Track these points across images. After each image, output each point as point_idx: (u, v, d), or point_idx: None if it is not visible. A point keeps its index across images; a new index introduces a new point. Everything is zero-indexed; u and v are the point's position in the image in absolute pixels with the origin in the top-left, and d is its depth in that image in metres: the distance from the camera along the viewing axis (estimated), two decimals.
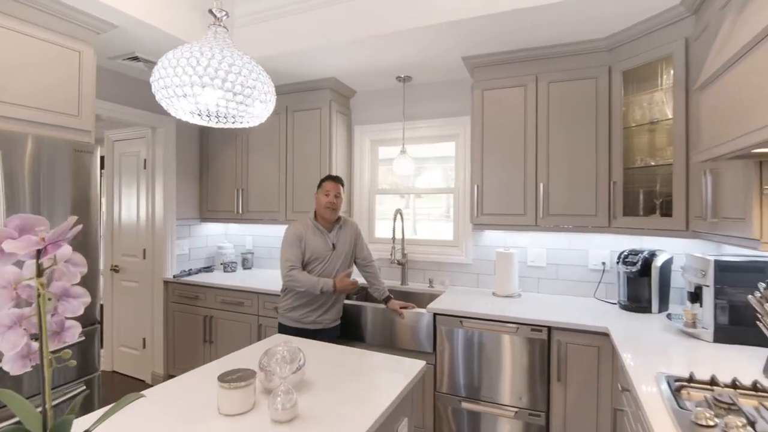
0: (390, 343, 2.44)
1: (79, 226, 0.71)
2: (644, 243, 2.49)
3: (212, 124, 1.30)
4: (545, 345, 2.14)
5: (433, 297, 2.79)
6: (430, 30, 2.21)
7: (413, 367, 1.52)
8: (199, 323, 3.12)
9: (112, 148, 3.68)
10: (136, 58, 2.70)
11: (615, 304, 2.42)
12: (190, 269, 3.41)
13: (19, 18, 1.84)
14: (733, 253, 1.93)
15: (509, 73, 2.48)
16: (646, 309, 2.24)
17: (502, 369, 2.21)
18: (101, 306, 4.64)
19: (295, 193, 3.14)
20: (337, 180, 2.33)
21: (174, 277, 3.24)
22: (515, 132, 2.47)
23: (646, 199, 2.24)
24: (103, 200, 3.76)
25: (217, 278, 3.20)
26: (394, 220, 2.81)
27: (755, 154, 1.24)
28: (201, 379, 1.37)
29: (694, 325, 1.86)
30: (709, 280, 1.75)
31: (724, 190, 1.52)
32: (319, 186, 2.34)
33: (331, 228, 2.34)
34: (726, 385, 1.27)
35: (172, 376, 3.30)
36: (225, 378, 1.11)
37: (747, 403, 1.18)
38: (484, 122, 2.54)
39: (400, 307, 2.41)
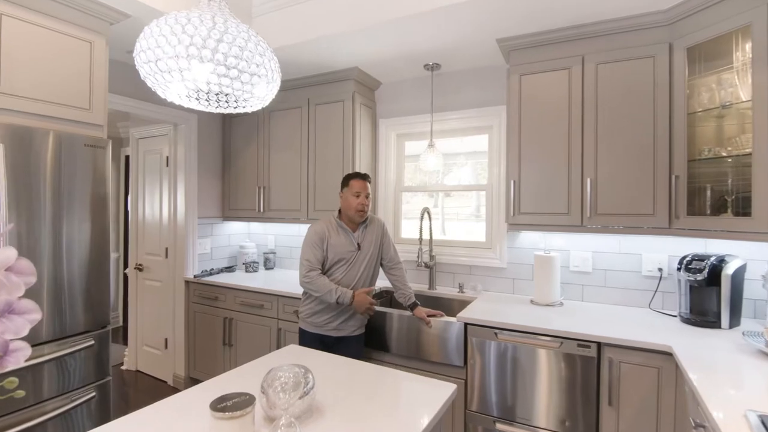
0: (416, 354, 2.23)
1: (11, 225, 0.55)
2: (709, 247, 2.16)
3: (212, 108, 1.14)
4: (594, 363, 1.87)
5: (463, 304, 2.56)
6: (460, 8, 1.98)
7: (443, 392, 1.31)
8: (219, 325, 3.03)
9: (137, 146, 3.65)
10: None
11: (675, 316, 2.11)
12: (212, 269, 3.32)
13: (27, 7, 1.76)
14: None
15: (551, 55, 2.21)
16: (713, 324, 1.93)
17: (541, 388, 1.96)
18: (125, 304, 4.70)
19: (317, 192, 2.99)
20: (365, 178, 2.18)
21: (195, 276, 3.16)
22: (558, 121, 2.20)
23: (714, 196, 1.93)
24: (129, 198, 3.74)
25: (238, 279, 3.10)
26: (421, 219, 2.60)
27: None
28: (195, 401, 1.22)
29: None
30: None
31: None
32: (346, 184, 2.18)
33: (356, 227, 2.20)
34: None
35: (193, 379, 3.22)
36: (218, 405, 0.94)
37: None
38: (522, 111, 2.29)
39: (428, 315, 2.20)
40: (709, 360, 1.54)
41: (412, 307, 2.25)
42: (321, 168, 2.97)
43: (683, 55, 1.89)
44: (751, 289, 2.03)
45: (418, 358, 2.23)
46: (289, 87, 3.10)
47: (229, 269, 3.42)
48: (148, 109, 2.96)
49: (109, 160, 2.01)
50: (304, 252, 2.13)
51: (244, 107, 1.16)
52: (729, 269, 1.89)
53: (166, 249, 3.37)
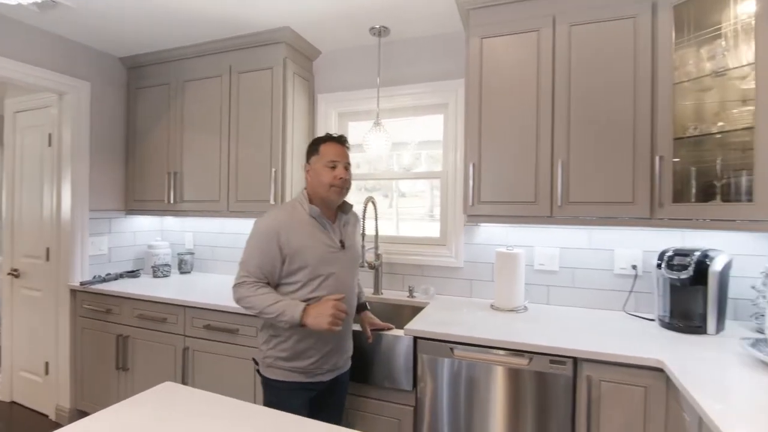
0: (365, 378, 1.78)
1: None
2: (686, 240, 1.92)
3: None
4: (570, 383, 1.53)
5: (414, 310, 2.16)
6: None
7: None
8: (111, 344, 2.41)
9: (13, 121, 2.92)
10: None
11: (652, 320, 1.84)
12: (108, 274, 2.68)
13: None
14: None
15: (517, 14, 1.87)
16: (699, 329, 1.66)
17: (506, 415, 1.59)
18: None
19: (240, 179, 2.46)
20: (342, 142, 1.55)
21: (81, 284, 2.51)
22: (525, 92, 1.85)
23: (701, 180, 1.66)
24: (3, 188, 2.99)
25: (142, 286, 2.49)
26: (364, 210, 2.17)
27: None
28: None
29: None
30: None
31: None
32: (314, 152, 1.52)
33: (334, 215, 1.57)
34: None
35: (81, 413, 2.57)
36: None
37: None
38: (483, 81, 1.92)
39: (374, 329, 1.75)
40: (712, 377, 1.23)
41: (360, 309, 1.77)
42: (245, 151, 2.45)
43: (669, 14, 1.61)
44: (733, 288, 1.79)
45: (367, 382, 1.78)
46: (206, 51, 2.55)
47: (133, 274, 2.79)
48: (23, 71, 2.29)
49: None
50: (243, 256, 1.47)
51: None
52: (717, 266, 1.63)
53: (47, 249, 2.68)
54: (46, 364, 2.70)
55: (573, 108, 1.78)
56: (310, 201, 1.51)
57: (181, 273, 2.92)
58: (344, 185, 1.51)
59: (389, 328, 1.76)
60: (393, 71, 2.46)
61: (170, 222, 3.13)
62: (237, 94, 2.47)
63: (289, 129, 2.40)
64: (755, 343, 1.41)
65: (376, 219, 2.31)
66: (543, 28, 1.81)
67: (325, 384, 1.52)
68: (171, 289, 2.43)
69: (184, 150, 2.64)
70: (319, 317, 1.34)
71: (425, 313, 1.95)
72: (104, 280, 2.60)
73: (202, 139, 2.58)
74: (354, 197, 2.63)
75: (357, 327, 1.73)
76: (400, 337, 1.73)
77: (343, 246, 1.52)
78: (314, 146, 1.54)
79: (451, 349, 1.67)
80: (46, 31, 2.42)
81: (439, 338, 1.68)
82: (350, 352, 1.62)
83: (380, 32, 2.32)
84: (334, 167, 1.48)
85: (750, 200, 1.42)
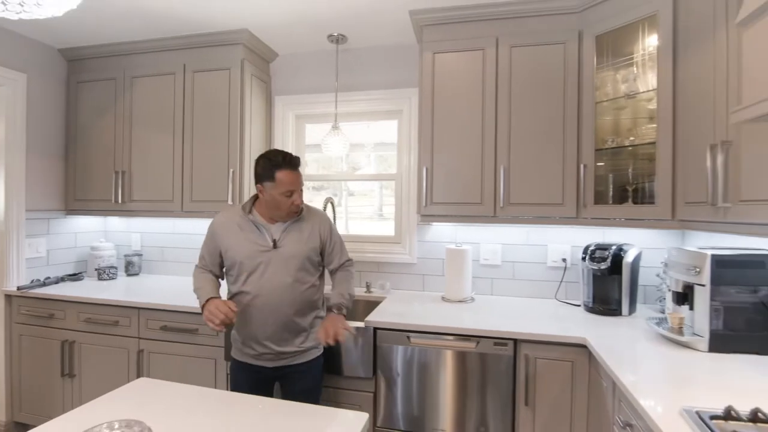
0: (332, 368, 1.88)
1: None
2: (606, 236, 2.23)
3: None
4: (511, 362, 1.74)
5: (372, 305, 2.29)
6: None
7: (354, 425, 1.00)
8: (56, 351, 2.29)
9: None
10: None
11: (579, 306, 2.12)
12: (48, 278, 2.54)
13: None
14: (713, 245, 1.69)
15: (465, 33, 2.06)
16: (615, 312, 1.96)
17: (460, 394, 1.78)
18: None
19: (195, 179, 2.44)
20: (295, 166, 1.57)
21: (18, 288, 2.36)
22: (472, 104, 2.05)
23: (616, 185, 1.95)
24: None
25: (87, 289, 2.40)
26: (324, 210, 2.26)
27: None
28: None
29: (681, 331, 1.58)
30: (705, 278, 1.46)
31: (745, 168, 1.21)
32: (269, 178, 1.52)
33: (273, 220, 1.62)
34: None
35: (20, 425, 2.42)
36: None
37: None
38: (435, 92, 2.09)
39: (330, 332, 1.53)
40: (621, 350, 1.49)
41: (329, 309, 1.69)
42: (201, 150, 2.44)
43: (592, 43, 1.88)
44: (643, 276, 2.11)
45: (334, 371, 1.88)
46: (158, 48, 2.50)
47: (75, 277, 2.65)
48: None
49: None
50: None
51: (34, 13, 0.71)
52: (629, 257, 1.93)
53: None
54: None
55: (513, 120, 2.00)
56: (254, 208, 1.62)
57: (129, 275, 2.82)
58: (299, 211, 1.61)
59: (346, 330, 1.57)
60: (350, 77, 2.57)
61: (114, 222, 3.01)
62: (192, 93, 2.45)
63: (247, 130, 2.43)
64: (659, 322, 1.71)
65: (334, 219, 2.41)
66: (487, 47, 2.02)
67: (270, 370, 1.60)
68: (120, 291, 2.36)
69: (133, 148, 2.56)
70: (206, 312, 1.45)
71: (383, 307, 2.09)
72: (44, 284, 2.46)
73: (153, 137, 2.52)
74: (304, 196, 2.71)
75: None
76: (361, 328, 1.85)
77: (275, 246, 1.57)
78: (269, 171, 1.53)
79: (408, 337, 1.82)
80: None
81: (396, 328, 1.83)
82: (294, 347, 1.60)
83: (338, 40, 2.42)
84: (290, 195, 1.53)
85: (653, 203, 1.71)
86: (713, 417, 0.99)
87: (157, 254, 2.91)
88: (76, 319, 2.26)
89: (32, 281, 2.47)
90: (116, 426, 0.66)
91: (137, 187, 2.56)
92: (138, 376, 2.14)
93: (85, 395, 2.24)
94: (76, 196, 2.69)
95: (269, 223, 1.61)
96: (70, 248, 2.79)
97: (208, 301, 1.49)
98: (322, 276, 1.72)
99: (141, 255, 2.90)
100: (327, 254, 1.71)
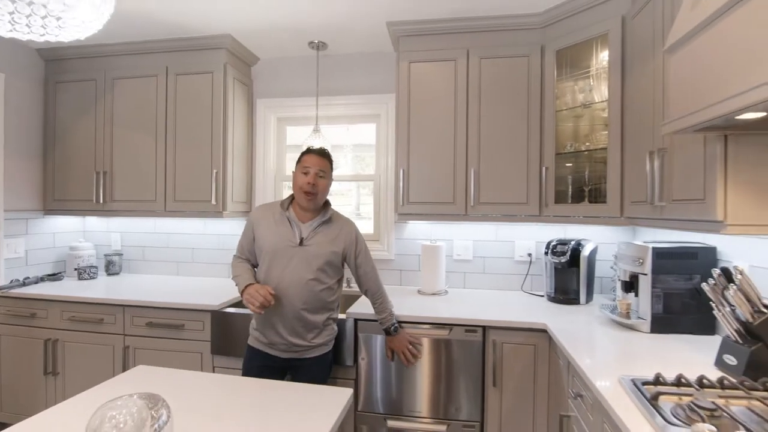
0: None
1: None
2: (567, 233, 2.43)
3: (11, 33, 0.76)
4: (480, 347, 1.91)
5: (353, 298, 2.42)
6: None
7: (338, 399, 1.13)
8: (38, 350, 2.31)
9: None
10: None
11: (543, 296, 2.32)
12: (27, 278, 2.54)
13: None
14: (657, 240, 1.91)
15: (438, 45, 2.22)
16: (574, 301, 2.16)
17: (434, 378, 1.93)
18: None
19: (178, 178, 2.51)
20: (322, 154, 1.75)
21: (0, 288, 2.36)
22: (445, 111, 2.21)
23: (574, 186, 2.15)
24: None
25: (67, 288, 2.42)
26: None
27: (726, 126, 1.11)
28: None
29: (628, 315, 1.78)
30: (647, 268, 1.67)
31: (676, 171, 1.41)
32: (298, 160, 1.76)
33: (307, 218, 1.75)
34: (704, 385, 1.13)
35: (2, 425, 2.42)
36: None
37: (735, 404, 1.03)
38: (411, 99, 2.24)
39: (409, 345, 1.89)
40: (576, 333, 1.68)
41: (388, 331, 1.88)
42: (184, 152, 2.50)
43: (553, 56, 2.06)
44: (599, 269, 2.33)
45: None
46: (140, 50, 2.54)
47: (55, 277, 2.66)
48: None
49: None
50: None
51: (58, 35, 0.81)
52: (585, 251, 2.13)
53: None
54: None
55: (483, 126, 2.17)
56: (291, 204, 1.78)
57: (109, 275, 2.85)
58: (312, 190, 1.68)
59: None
60: (330, 82, 2.69)
61: (93, 222, 3.02)
62: (174, 95, 2.51)
63: (230, 132, 2.51)
64: (612, 309, 1.91)
65: None
66: (459, 58, 2.19)
67: (281, 360, 1.72)
68: (102, 290, 2.40)
69: (114, 149, 2.59)
70: (246, 295, 1.60)
71: (363, 300, 2.22)
72: (24, 284, 2.47)
73: (135, 138, 2.56)
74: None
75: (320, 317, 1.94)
76: (343, 320, 1.98)
77: (301, 243, 1.69)
78: (300, 157, 1.77)
79: None
80: None
81: (376, 319, 1.96)
82: (306, 342, 1.71)
83: (318, 46, 2.53)
84: (306, 173, 1.69)
85: (605, 202, 1.91)
86: (645, 383, 1.17)
87: (138, 254, 2.94)
88: (60, 318, 2.28)
89: (11, 281, 2.47)
90: (135, 396, 0.76)
91: (119, 187, 2.59)
92: (124, 371, 2.19)
93: (69, 392, 2.27)
94: (55, 196, 2.70)
95: (302, 221, 1.74)
96: (49, 248, 2.79)
97: (247, 286, 1.63)
98: (340, 281, 1.82)
99: (121, 254, 2.92)
100: (355, 257, 1.80)
